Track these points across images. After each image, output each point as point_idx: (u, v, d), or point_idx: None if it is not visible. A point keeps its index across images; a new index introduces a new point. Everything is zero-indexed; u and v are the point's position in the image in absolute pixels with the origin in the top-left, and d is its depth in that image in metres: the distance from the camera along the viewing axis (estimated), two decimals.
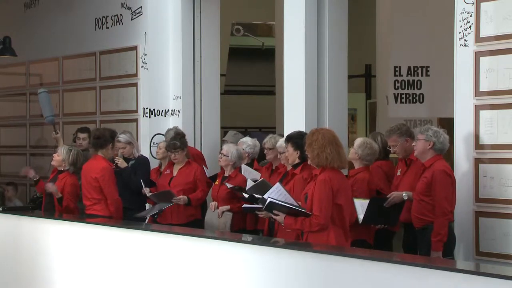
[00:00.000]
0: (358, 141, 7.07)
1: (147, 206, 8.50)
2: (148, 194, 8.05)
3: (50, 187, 7.81)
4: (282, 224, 5.98)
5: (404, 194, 6.68)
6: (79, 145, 9.31)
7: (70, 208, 7.73)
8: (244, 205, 7.01)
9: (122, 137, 8.33)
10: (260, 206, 6.23)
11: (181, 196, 7.88)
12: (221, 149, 8.15)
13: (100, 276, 7.00)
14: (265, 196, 5.90)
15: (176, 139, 8.16)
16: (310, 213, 5.78)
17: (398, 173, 7.03)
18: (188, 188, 8.00)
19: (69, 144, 8.67)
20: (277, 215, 5.93)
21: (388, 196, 6.74)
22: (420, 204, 6.40)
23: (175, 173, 8.12)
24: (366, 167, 6.99)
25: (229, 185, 7.63)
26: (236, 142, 8.46)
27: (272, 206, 5.90)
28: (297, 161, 6.67)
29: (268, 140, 7.84)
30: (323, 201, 5.74)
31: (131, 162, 8.33)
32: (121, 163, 8.23)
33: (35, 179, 8.50)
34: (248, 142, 8.31)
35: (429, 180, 6.32)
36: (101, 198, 7.56)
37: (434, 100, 10.11)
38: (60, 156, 7.86)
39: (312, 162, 5.94)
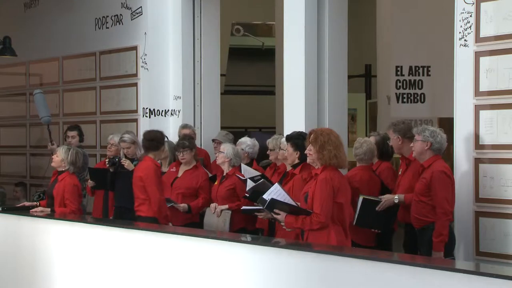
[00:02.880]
0: (357, 140, 7.10)
1: None
2: None
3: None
4: (283, 224, 5.98)
5: (395, 197, 6.69)
6: (69, 143, 9.29)
7: (72, 210, 7.68)
8: (243, 207, 7.00)
9: (127, 137, 8.33)
10: (259, 207, 6.23)
11: (181, 204, 7.86)
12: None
13: (100, 276, 7.00)
14: (265, 197, 5.90)
15: (185, 139, 8.17)
16: (311, 211, 5.79)
17: (400, 173, 7.05)
18: (188, 193, 7.96)
19: (67, 144, 8.64)
20: (278, 214, 5.94)
21: (380, 199, 6.75)
22: (420, 204, 6.40)
23: (180, 173, 8.09)
24: (364, 166, 6.98)
25: (242, 178, 7.62)
26: (228, 141, 8.46)
27: (273, 205, 5.90)
28: (296, 161, 6.66)
29: (271, 141, 7.83)
30: (324, 200, 5.75)
31: (134, 162, 8.32)
32: (128, 165, 8.21)
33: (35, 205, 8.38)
34: (247, 142, 8.30)
35: (428, 181, 6.32)
36: (146, 198, 7.43)
37: (435, 100, 10.11)
38: (59, 157, 7.82)
39: (323, 162, 5.87)
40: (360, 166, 7.02)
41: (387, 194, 6.79)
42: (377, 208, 6.69)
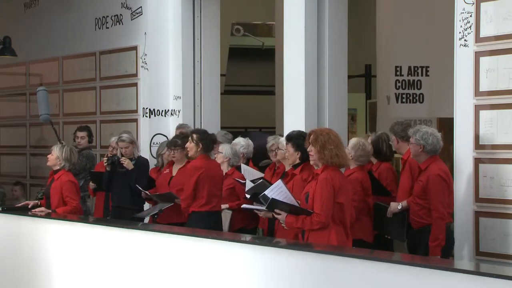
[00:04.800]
0: (352, 142, 7.01)
1: (146, 205, 8.51)
2: (145, 197, 8.08)
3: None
4: (283, 223, 5.98)
5: (399, 205, 6.67)
6: (78, 144, 9.31)
7: (74, 206, 7.68)
8: (243, 206, 7.00)
9: (125, 137, 8.33)
10: (260, 207, 6.22)
11: None
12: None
13: (100, 276, 7.00)
14: (267, 193, 5.89)
15: (178, 138, 8.17)
16: (311, 211, 5.79)
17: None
18: None
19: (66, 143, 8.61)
20: (278, 214, 5.94)
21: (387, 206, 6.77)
22: (417, 206, 6.39)
23: (174, 172, 8.11)
24: (360, 167, 6.97)
25: (241, 181, 7.62)
26: (227, 141, 8.45)
27: (274, 205, 5.89)
28: (297, 161, 6.65)
29: (275, 142, 7.79)
30: (324, 200, 5.75)
31: (132, 162, 8.31)
32: (128, 164, 8.21)
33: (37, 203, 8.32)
34: (241, 143, 8.30)
35: (424, 184, 6.31)
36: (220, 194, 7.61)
37: (434, 100, 10.11)
38: (54, 154, 7.82)
39: (325, 161, 5.87)
40: (358, 167, 6.98)
41: (393, 202, 6.78)
42: (387, 215, 6.70)
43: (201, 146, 7.46)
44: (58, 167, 7.82)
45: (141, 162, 8.41)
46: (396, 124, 7.12)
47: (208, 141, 7.52)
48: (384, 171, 7.21)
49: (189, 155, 7.67)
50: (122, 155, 8.30)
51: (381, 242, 6.95)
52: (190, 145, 7.50)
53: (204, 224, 7.23)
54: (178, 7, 9.65)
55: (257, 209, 6.48)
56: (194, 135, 7.51)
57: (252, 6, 13.95)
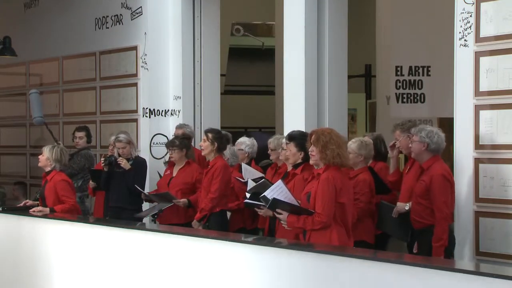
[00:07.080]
0: (355, 144, 6.95)
1: (145, 206, 8.51)
2: (145, 198, 8.09)
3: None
4: (284, 223, 5.96)
5: (406, 205, 6.63)
6: (76, 144, 9.31)
7: (72, 204, 7.68)
8: (246, 200, 6.97)
9: (122, 137, 8.33)
10: (262, 203, 6.21)
11: (181, 200, 7.87)
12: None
13: (100, 276, 7.00)
14: (267, 194, 5.89)
15: (177, 138, 8.17)
16: (313, 211, 5.79)
17: (407, 171, 7.01)
18: (186, 188, 7.99)
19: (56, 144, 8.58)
20: (279, 213, 5.93)
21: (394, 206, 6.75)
22: (419, 207, 6.37)
23: (174, 173, 8.13)
24: (365, 167, 6.97)
25: (242, 180, 7.63)
26: None
27: (275, 204, 5.89)
28: (299, 161, 6.64)
29: (272, 141, 7.82)
30: (326, 199, 5.75)
31: (129, 162, 8.31)
32: (125, 164, 8.22)
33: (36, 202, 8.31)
34: (246, 142, 8.31)
35: (427, 184, 6.28)
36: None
37: (435, 100, 10.11)
38: (44, 155, 7.82)
39: (326, 161, 5.87)
40: (364, 168, 6.96)
41: (399, 202, 6.76)
42: (392, 215, 6.68)
43: (216, 145, 7.49)
44: (49, 168, 7.82)
45: (138, 162, 8.41)
46: (406, 123, 7.03)
47: (223, 141, 7.58)
48: (380, 170, 7.20)
49: (202, 153, 7.70)
50: (120, 155, 8.30)
51: (383, 242, 6.95)
52: (205, 144, 7.54)
53: (225, 221, 7.42)
54: (178, 7, 9.66)
55: (258, 205, 6.45)
56: (210, 134, 7.53)
57: (252, 6, 13.95)
